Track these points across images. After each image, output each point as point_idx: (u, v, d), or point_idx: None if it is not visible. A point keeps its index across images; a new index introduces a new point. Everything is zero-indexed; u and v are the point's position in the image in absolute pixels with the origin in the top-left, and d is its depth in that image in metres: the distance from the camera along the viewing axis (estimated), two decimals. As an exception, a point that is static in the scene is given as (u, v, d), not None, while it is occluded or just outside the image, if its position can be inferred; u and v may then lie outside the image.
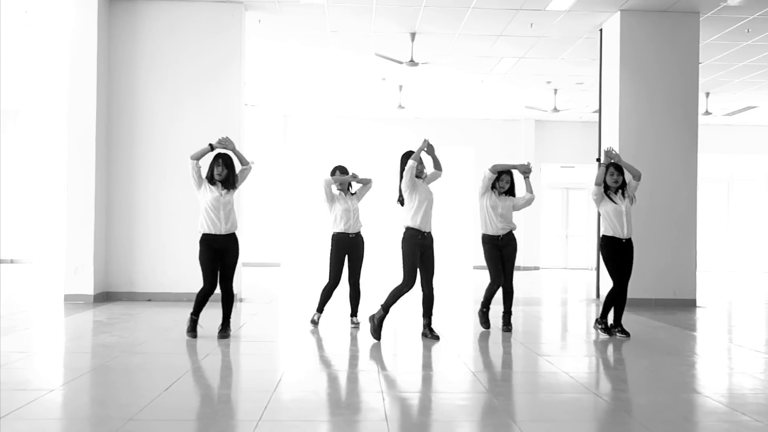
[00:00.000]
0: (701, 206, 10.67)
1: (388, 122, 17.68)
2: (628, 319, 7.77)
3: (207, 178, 6.32)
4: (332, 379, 5.10)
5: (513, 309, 7.16)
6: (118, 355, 5.57)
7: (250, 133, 16.15)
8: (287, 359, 5.80)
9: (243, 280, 10.10)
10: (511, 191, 7.04)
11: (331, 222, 7.15)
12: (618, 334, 6.77)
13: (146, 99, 9.31)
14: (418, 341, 6.43)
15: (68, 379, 4.85)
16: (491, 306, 7.09)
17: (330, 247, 7.12)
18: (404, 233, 6.38)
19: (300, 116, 17.65)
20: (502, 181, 6.98)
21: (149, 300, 9.11)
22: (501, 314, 7.07)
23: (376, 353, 5.89)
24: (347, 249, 7.08)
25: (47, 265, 15.57)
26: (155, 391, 4.40)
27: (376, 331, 6.37)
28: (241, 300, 9.36)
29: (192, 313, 6.34)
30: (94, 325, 7.30)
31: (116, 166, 9.29)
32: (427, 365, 5.60)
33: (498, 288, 6.93)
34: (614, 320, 6.83)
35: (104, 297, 9.12)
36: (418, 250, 6.32)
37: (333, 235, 7.09)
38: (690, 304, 9.50)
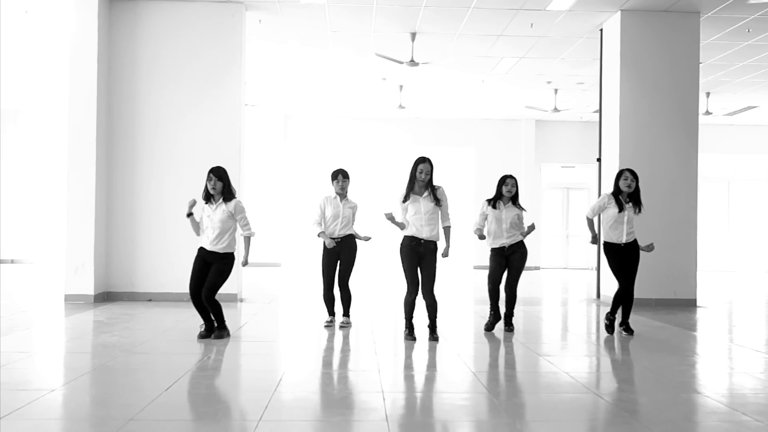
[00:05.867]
0: (701, 206, 10.65)
1: (389, 122, 17.68)
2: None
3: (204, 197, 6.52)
4: (333, 379, 5.11)
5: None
6: (119, 355, 5.58)
7: (251, 133, 16.17)
8: (288, 359, 5.80)
9: (243, 280, 10.10)
10: (515, 197, 6.96)
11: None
12: (624, 332, 6.83)
13: (147, 99, 9.32)
14: (419, 342, 6.43)
15: (69, 379, 4.86)
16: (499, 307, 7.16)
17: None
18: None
19: (300, 116, 17.65)
20: (507, 185, 6.90)
21: (150, 300, 9.11)
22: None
23: (376, 353, 5.89)
24: (336, 252, 7.13)
25: (48, 265, 15.57)
26: (156, 391, 4.41)
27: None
28: (241, 300, 9.38)
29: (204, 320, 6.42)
30: (95, 325, 7.31)
31: (117, 166, 9.30)
32: (427, 365, 5.60)
33: (494, 289, 7.02)
34: (622, 319, 6.92)
35: (105, 297, 9.12)
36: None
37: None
38: (690, 304, 9.50)
